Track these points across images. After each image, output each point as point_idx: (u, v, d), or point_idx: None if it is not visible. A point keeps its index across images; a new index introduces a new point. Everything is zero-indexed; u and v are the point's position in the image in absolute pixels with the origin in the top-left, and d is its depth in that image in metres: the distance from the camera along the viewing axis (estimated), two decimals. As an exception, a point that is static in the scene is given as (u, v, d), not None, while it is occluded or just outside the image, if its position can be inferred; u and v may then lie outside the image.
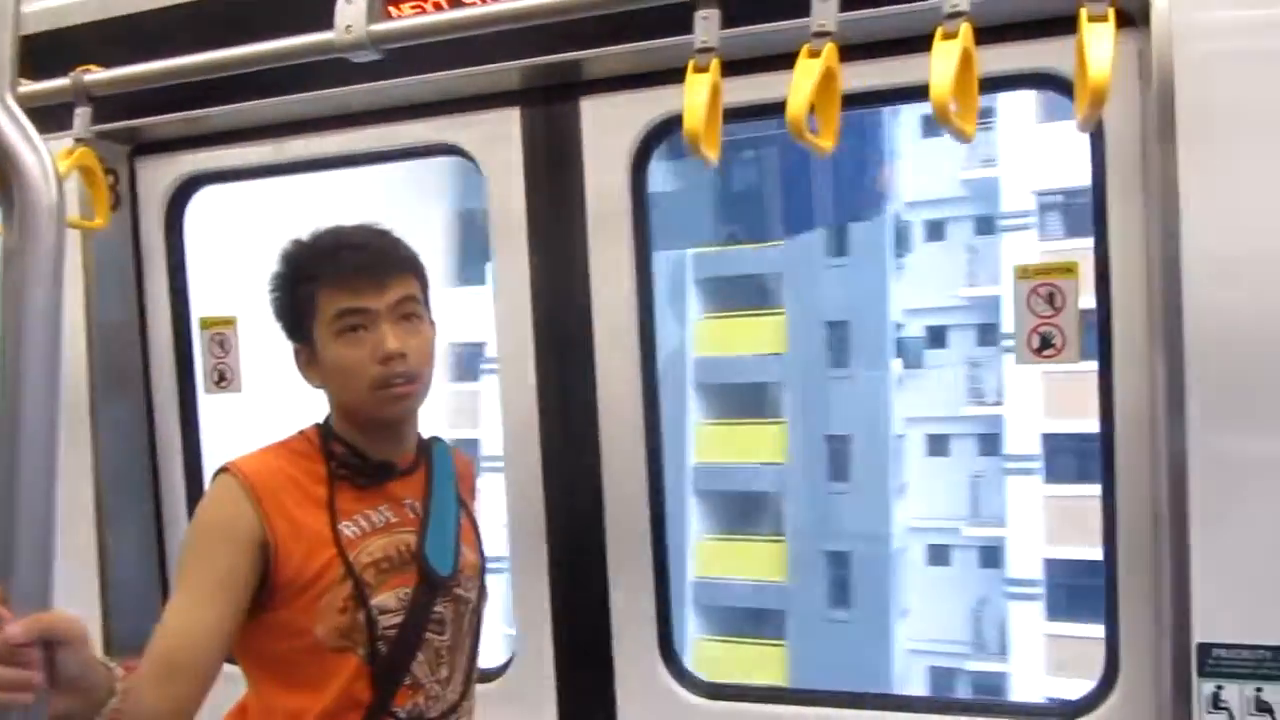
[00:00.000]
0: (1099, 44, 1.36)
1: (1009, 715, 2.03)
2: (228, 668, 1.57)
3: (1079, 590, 16.28)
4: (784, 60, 1.53)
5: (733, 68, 1.63)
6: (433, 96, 2.27)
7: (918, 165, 17.69)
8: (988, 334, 17.38)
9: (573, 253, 2.21)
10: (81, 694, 1.35)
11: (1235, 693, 1.68)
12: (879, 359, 17.06)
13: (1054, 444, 16.62)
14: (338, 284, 1.63)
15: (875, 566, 17.27)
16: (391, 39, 1.81)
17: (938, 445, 17.80)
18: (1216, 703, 1.69)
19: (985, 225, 17.74)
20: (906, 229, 18.18)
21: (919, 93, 1.42)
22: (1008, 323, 16.69)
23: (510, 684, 2.29)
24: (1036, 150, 16.26)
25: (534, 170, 2.23)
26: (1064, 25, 1.59)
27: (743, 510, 17.42)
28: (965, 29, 1.39)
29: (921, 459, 17.82)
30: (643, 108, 2.14)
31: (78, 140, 2.08)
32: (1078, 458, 16.30)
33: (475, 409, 12.35)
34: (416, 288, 1.69)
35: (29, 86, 2.13)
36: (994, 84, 1.71)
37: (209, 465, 2.23)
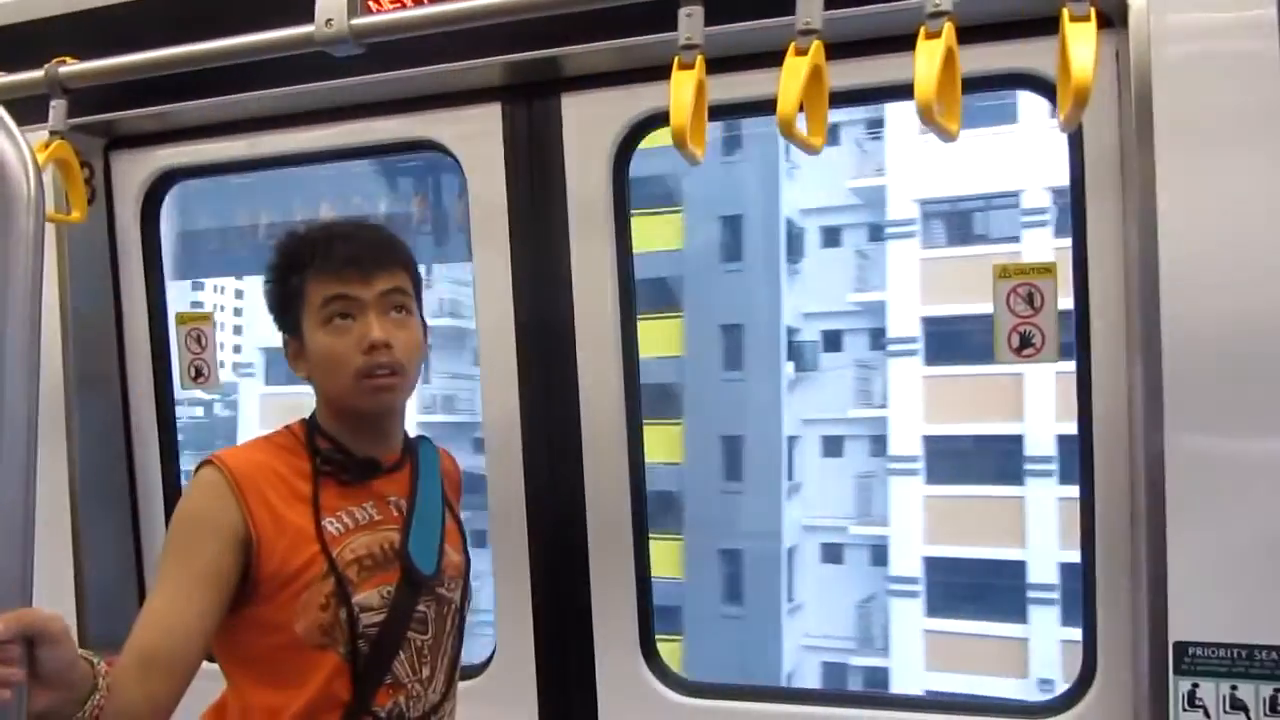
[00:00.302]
0: (1081, 45, 1.37)
1: (987, 714, 2.04)
2: (207, 665, 1.56)
3: (957, 588, 17.09)
4: (767, 58, 1.54)
5: (715, 65, 1.63)
6: (414, 92, 2.26)
7: (811, 173, 18.30)
8: (880, 338, 18.10)
9: (554, 249, 2.20)
10: (64, 690, 1.34)
11: (1211, 691, 1.69)
12: (772, 362, 17.59)
13: (934, 446, 17.33)
14: (326, 272, 1.62)
15: (767, 563, 17.74)
16: (373, 33, 1.80)
17: (832, 446, 18.50)
18: (1192, 701, 1.71)
19: (877, 233, 18.44)
20: (800, 235, 18.71)
21: (902, 91, 1.43)
22: (893, 327, 17.41)
23: (491, 682, 2.28)
24: (920, 160, 16.89)
25: (515, 166, 2.22)
26: (1045, 26, 1.60)
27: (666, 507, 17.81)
28: (948, 28, 1.40)
29: (817, 459, 18.51)
30: (624, 104, 2.14)
31: (53, 133, 2.06)
32: (956, 459, 17.08)
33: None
34: (407, 282, 1.69)
35: (2, 78, 2.11)
36: (976, 84, 1.71)
37: (186, 462, 2.22)
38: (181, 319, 2.55)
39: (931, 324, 17.53)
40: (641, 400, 2.23)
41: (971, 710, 2.04)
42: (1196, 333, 1.70)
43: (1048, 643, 16.69)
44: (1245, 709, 1.68)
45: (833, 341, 18.54)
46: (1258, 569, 1.67)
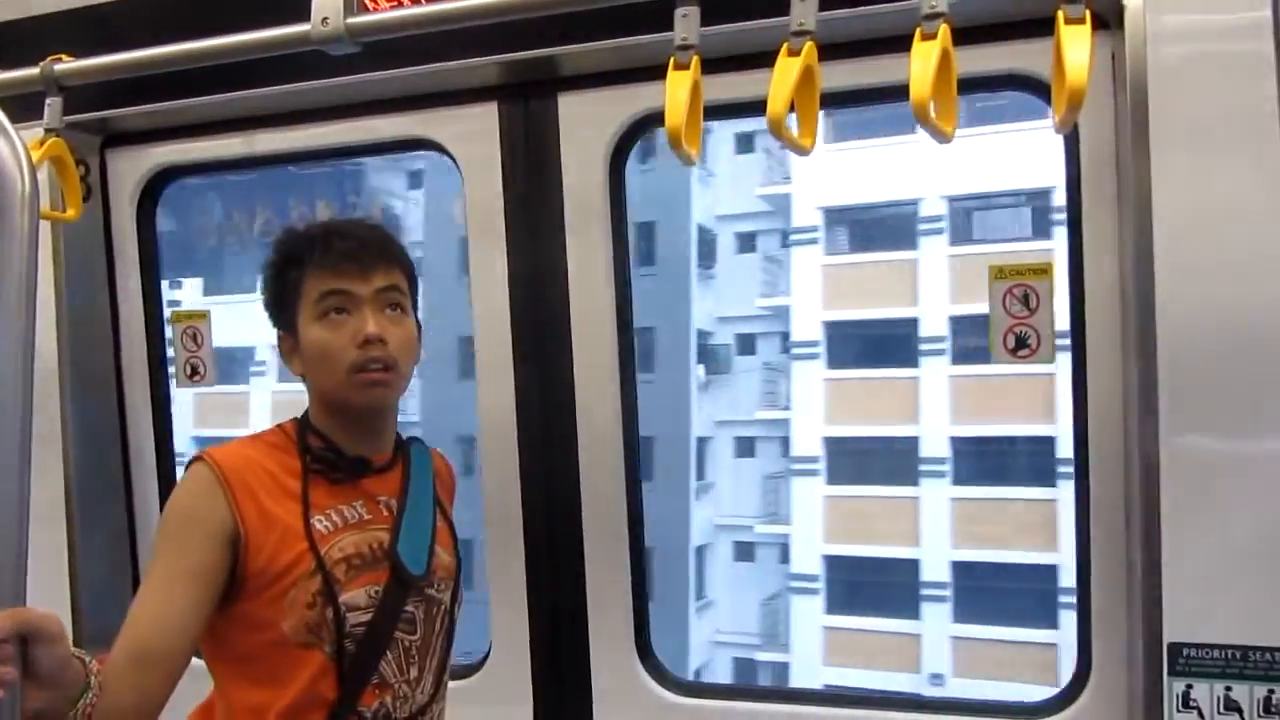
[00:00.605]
0: (1076, 47, 1.37)
1: (983, 715, 2.04)
2: (197, 664, 1.55)
3: (854, 585, 17.64)
4: (763, 58, 1.53)
5: (712, 65, 1.63)
6: (410, 91, 2.26)
7: (724, 180, 18.95)
8: (787, 342, 18.71)
9: (550, 249, 2.20)
10: (58, 689, 1.34)
11: (1205, 692, 1.69)
12: (682, 365, 18.15)
13: (834, 447, 17.89)
14: (323, 267, 1.63)
15: (676, 561, 18.15)
16: (369, 32, 1.79)
17: (744, 447, 19.09)
18: (1187, 702, 1.71)
19: (784, 239, 19.06)
20: (713, 241, 19.22)
21: (896, 93, 1.43)
22: (797, 331, 18.00)
23: (486, 681, 2.28)
24: (824, 169, 17.36)
25: (511, 166, 2.22)
26: (1040, 28, 1.60)
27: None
28: (943, 30, 1.40)
29: (730, 460, 19.17)
30: (621, 104, 2.14)
31: (48, 131, 2.05)
32: (855, 459, 17.67)
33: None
34: (403, 281, 1.69)
35: None
36: (971, 85, 1.71)
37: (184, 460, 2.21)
38: (177, 317, 2.55)
39: (833, 328, 18.11)
40: (637, 399, 2.23)
41: (968, 712, 2.04)
42: (1192, 333, 1.70)
43: (939, 638, 17.28)
44: (1240, 710, 1.68)
45: (746, 345, 19.12)
46: (1253, 570, 1.67)
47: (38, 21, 2.38)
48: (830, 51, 1.54)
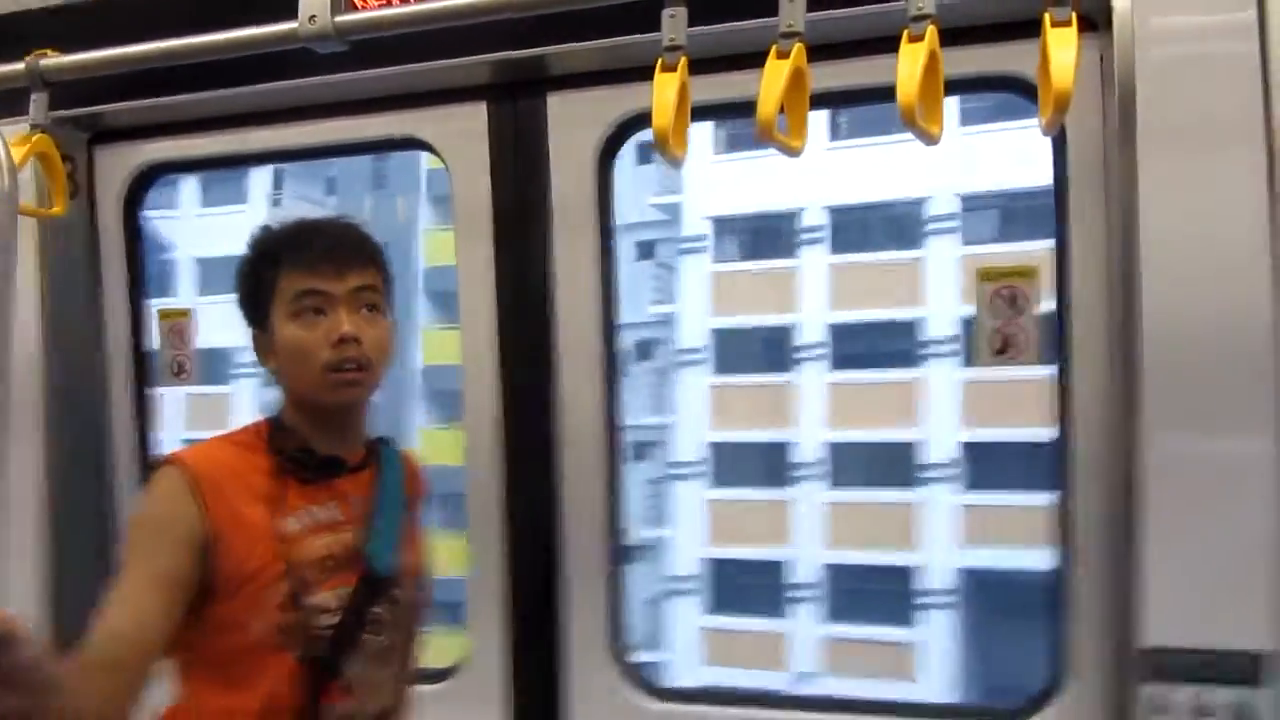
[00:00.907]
0: (1062, 50, 1.37)
1: (959, 718, 2.04)
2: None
3: (731, 586, 18.05)
4: (751, 59, 1.53)
5: (700, 66, 1.63)
6: (399, 89, 2.25)
7: (621, 189, 19.08)
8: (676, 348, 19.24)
9: (537, 249, 2.20)
10: (26, 693, 1.33)
11: (1178, 696, 1.69)
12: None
13: (720, 451, 18.38)
14: (299, 266, 1.62)
15: None
16: (356, 30, 1.79)
17: (640, 451, 19.31)
18: (1160, 707, 1.70)
19: (675, 248, 19.52)
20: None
21: (886, 94, 1.43)
22: (686, 338, 18.61)
23: (460, 684, 2.27)
24: (713, 180, 17.90)
25: (500, 165, 2.21)
26: (1028, 29, 1.60)
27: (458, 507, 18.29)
28: (931, 32, 1.40)
29: (627, 463, 19.31)
30: (609, 104, 2.14)
31: (34, 126, 2.04)
32: (736, 463, 18.12)
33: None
34: (379, 281, 1.69)
35: None
36: (959, 86, 1.72)
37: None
38: (164, 314, 2.54)
39: (720, 336, 18.57)
40: (621, 402, 2.23)
41: (938, 715, 2.04)
42: (1175, 336, 1.71)
43: (807, 638, 17.70)
44: (1212, 714, 1.68)
45: (644, 351, 19.48)
46: (1228, 574, 1.67)
47: (24, 16, 2.37)
48: (817, 52, 1.54)
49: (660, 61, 1.53)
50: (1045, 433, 1.99)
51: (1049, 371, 1.95)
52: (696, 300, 18.75)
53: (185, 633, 1.56)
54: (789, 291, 18.17)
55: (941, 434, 17.09)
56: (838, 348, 17.78)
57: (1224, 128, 1.67)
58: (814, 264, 17.98)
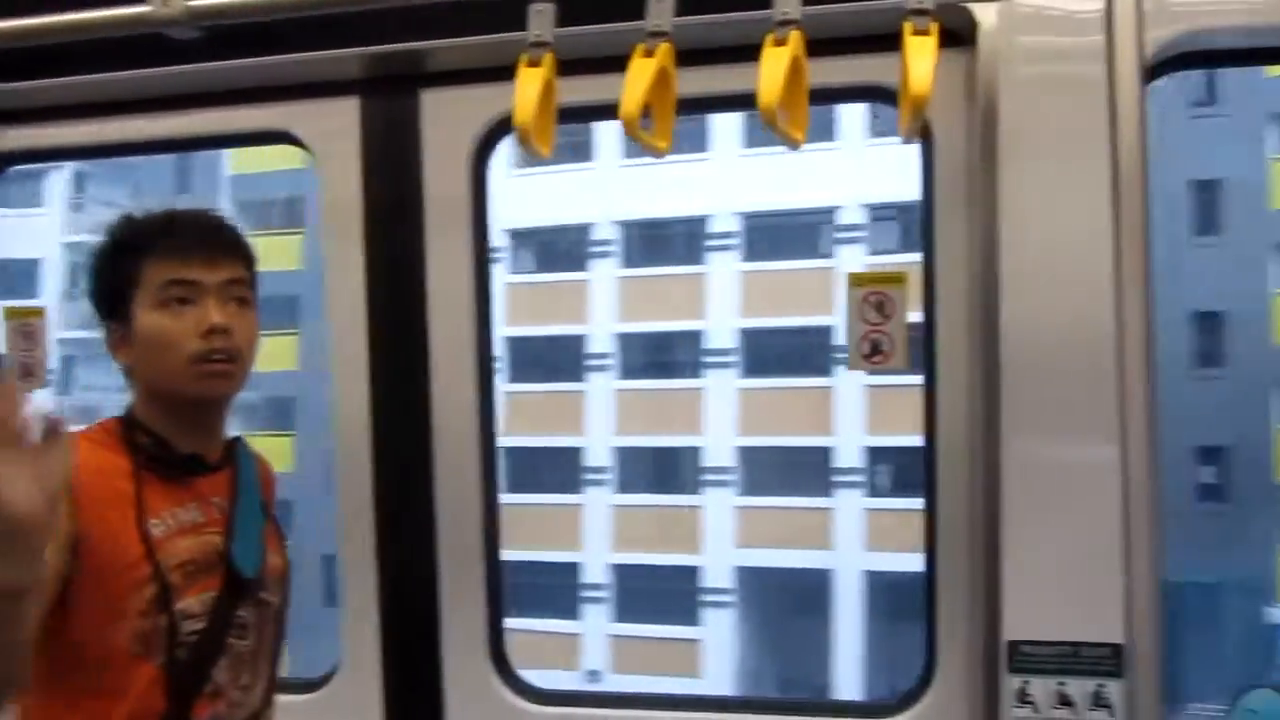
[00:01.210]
0: (920, 59, 1.40)
1: (828, 715, 2.07)
2: None
3: (523, 588, 18.38)
4: (623, 62, 1.52)
5: (573, 67, 1.62)
6: (268, 81, 2.18)
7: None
8: None
9: (410, 249, 2.15)
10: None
11: (1040, 687, 1.75)
12: None
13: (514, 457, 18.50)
14: (168, 255, 1.58)
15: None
16: (209, 16, 1.72)
17: None
18: (1023, 698, 1.76)
19: None
20: None
21: (748, 100, 1.44)
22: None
23: (334, 693, 2.21)
24: (506, 190, 18.53)
25: (371, 162, 2.16)
26: (895, 42, 1.63)
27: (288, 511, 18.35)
28: (795, 37, 1.42)
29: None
30: (486, 102, 2.10)
31: None
32: (535, 469, 18.35)
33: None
34: (246, 274, 1.65)
35: None
36: (827, 95, 1.74)
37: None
38: (10, 313, 2.41)
39: (513, 344, 19.05)
40: (495, 405, 2.20)
41: (813, 712, 2.07)
42: (1033, 343, 1.76)
43: (597, 637, 18.43)
44: (1072, 704, 1.74)
45: None
46: (1085, 570, 1.74)
47: None
48: (686, 57, 1.55)
49: (525, 57, 1.51)
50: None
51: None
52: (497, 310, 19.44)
53: (43, 641, 1.46)
54: (580, 302, 19.00)
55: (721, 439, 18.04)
56: (628, 358, 18.76)
57: (1075, 144, 1.74)
58: (606, 277, 18.95)
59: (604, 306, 18.95)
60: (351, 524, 2.20)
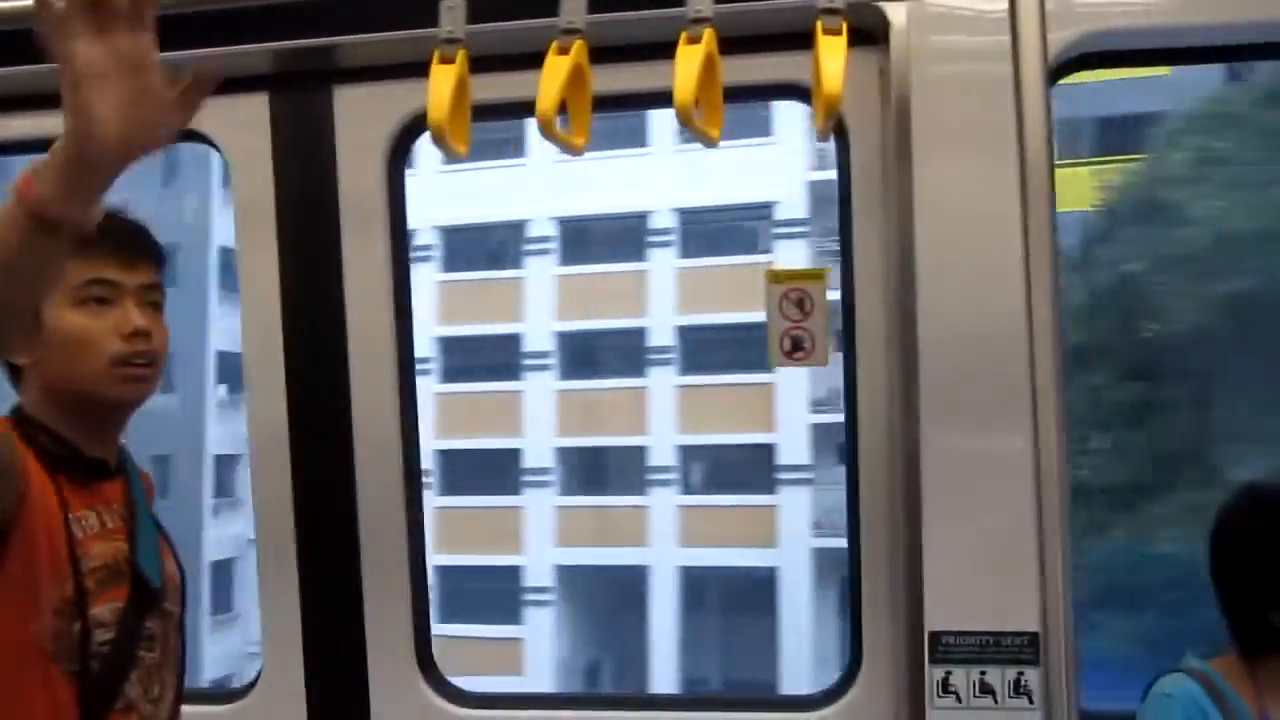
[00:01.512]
0: (832, 57, 1.41)
1: (755, 709, 2.08)
2: None
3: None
4: (540, 59, 1.51)
5: (487, 64, 1.60)
6: (174, 78, 2.11)
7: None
8: None
9: (325, 249, 2.10)
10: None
11: (962, 677, 1.78)
12: (199, 384, 18.53)
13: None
14: (89, 254, 1.50)
15: (192, 576, 18.69)
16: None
17: None
18: (946, 687, 1.79)
19: None
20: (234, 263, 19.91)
21: (663, 98, 1.43)
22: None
23: (256, 703, 2.16)
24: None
25: (284, 161, 2.11)
26: (808, 40, 1.64)
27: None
28: (708, 34, 1.42)
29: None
30: (400, 99, 2.07)
31: None
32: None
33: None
34: (161, 281, 1.62)
35: None
36: (742, 93, 1.75)
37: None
38: None
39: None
40: (418, 409, 2.17)
41: (740, 706, 2.08)
42: (949, 334, 1.79)
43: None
44: (993, 692, 1.78)
45: None
46: (1004, 559, 1.77)
47: None
48: (603, 54, 1.54)
49: (438, 54, 1.48)
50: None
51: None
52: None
53: None
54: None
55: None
56: (447, 361, 18.38)
57: (984, 142, 1.77)
58: (426, 280, 18.30)
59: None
60: (271, 532, 2.14)
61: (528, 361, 18.44)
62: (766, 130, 16.50)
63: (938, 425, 1.79)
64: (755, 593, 16.38)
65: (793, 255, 16.50)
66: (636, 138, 16.92)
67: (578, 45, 1.45)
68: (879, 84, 1.92)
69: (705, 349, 17.26)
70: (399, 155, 2.11)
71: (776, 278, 2.02)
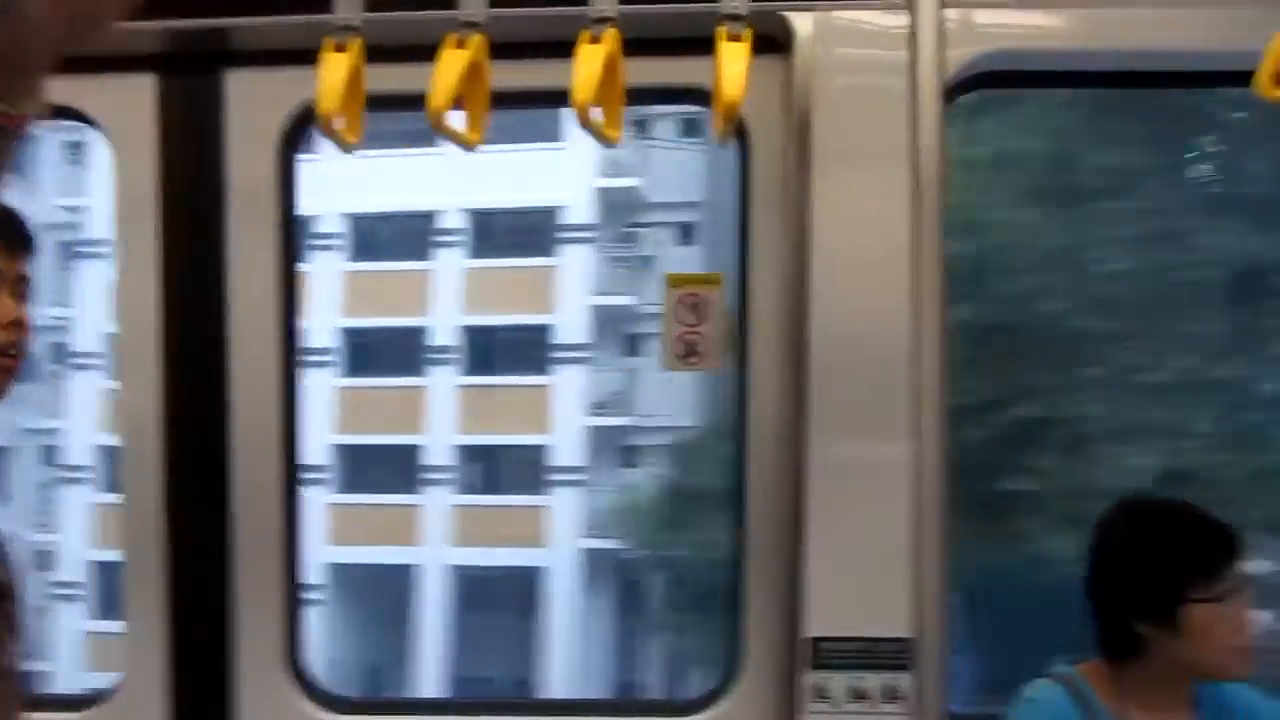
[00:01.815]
0: (733, 63, 1.42)
1: (633, 714, 2.08)
2: None
3: (113, 590, 18.47)
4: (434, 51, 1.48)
5: (392, 55, 1.57)
6: None
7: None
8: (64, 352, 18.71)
9: (210, 238, 2.03)
10: None
11: (838, 683, 1.81)
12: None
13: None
14: None
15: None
16: None
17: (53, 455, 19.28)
18: (822, 693, 1.81)
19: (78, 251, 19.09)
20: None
21: (563, 97, 1.42)
22: (80, 343, 17.98)
23: (116, 708, 2.07)
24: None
25: (169, 145, 2.03)
26: (712, 45, 1.65)
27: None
28: (610, 35, 1.42)
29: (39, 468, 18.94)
30: (296, 86, 2.00)
31: None
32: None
33: None
34: (31, 271, 1.55)
35: None
36: (643, 95, 1.75)
37: None
38: None
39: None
40: (301, 409, 2.10)
41: (617, 711, 2.07)
42: (838, 344, 1.82)
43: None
44: (865, 697, 1.80)
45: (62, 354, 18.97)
46: (882, 567, 1.80)
47: None
48: (503, 50, 1.52)
49: (332, 42, 1.45)
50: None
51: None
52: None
53: None
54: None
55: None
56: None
57: (881, 156, 1.80)
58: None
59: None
60: (137, 530, 2.06)
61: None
62: (555, 136, 16.73)
63: (824, 432, 1.82)
64: (525, 593, 16.48)
65: (578, 260, 16.71)
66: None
67: (476, 40, 1.43)
68: (782, 93, 1.94)
69: (488, 350, 17.22)
70: (292, 143, 2.05)
71: (674, 282, 2.02)
